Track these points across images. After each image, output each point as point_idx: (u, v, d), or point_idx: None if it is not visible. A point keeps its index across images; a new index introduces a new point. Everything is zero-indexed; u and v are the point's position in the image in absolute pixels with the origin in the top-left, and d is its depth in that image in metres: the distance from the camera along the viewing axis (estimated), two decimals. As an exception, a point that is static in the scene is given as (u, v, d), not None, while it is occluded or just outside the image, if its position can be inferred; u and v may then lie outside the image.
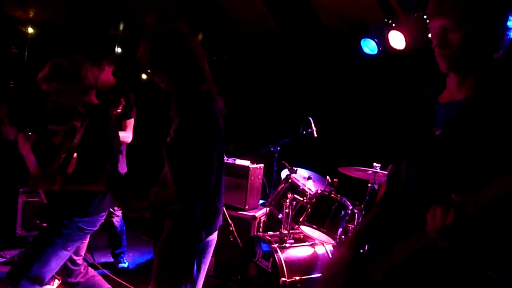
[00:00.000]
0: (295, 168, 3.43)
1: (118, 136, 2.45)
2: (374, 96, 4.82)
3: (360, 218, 3.04)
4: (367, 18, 4.49)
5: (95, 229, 2.33)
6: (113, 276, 3.28)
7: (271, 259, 2.96)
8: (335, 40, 4.81)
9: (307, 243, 3.19)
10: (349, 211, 3.05)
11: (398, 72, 4.55)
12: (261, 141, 4.11)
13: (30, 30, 6.46)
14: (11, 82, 6.55)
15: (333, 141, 4.80)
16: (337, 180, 3.22)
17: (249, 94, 5.86)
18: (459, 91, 1.26)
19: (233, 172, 3.66)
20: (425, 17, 3.73)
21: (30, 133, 2.41)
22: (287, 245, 3.06)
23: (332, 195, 3.06)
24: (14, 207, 3.94)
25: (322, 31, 5.01)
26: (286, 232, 3.12)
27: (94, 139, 2.21)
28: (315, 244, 3.19)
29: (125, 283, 3.32)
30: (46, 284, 2.35)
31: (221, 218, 1.87)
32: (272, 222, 3.74)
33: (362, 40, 4.34)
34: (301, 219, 3.09)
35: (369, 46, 4.35)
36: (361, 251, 1.42)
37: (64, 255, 2.22)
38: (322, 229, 2.98)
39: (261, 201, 3.96)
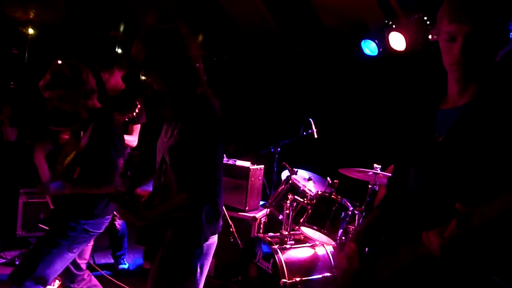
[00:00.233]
0: (296, 169, 3.43)
1: (123, 139, 2.45)
2: (374, 97, 4.82)
3: (361, 219, 3.04)
4: (367, 19, 4.49)
5: (100, 231, 2.34)
6: (112, 279, 3.28)
7: (272, 260, 2.96)
8: (335, 41, 4.81)
9: (307, 244, 3.19)
10: (350, 212, 3.05)
11: (398, 73, 4.55)
12: (261, 142, 4.12)
13: (31, 31, 6.47)
14: (12, 83, 6.56)
15: (334, 142, 4.80)
16: (337, 181, 3.22)
17: (249, 94, 5.87)
18: (461, 96, 1.26)
19: (233, 173, 3.66)
20: (425, 18, 3.74)
21: (47, 143, 2.41)
22: (288, 246, 3.06)
23: (333, 196, 3.06)
24: (14, 208, 3.94)
25: (322, 32, 5.01)
26: (286, 233, 3.12)
27: (101, 144, 2.21)
28: (316, 245, 3.19)
29: (125, 285, 3.32)
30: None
31: (221, 219, 1.87)
32: (272, 223, 3.74)
33: (363, 41, 4.35)
34: (301, 220, 3.08)
35: (370, 47, 4.36)
36: (364, 251, 1.42)
37: (69, 257, 2.23)
38: (322, 230, 2.97)
39: (261, 202, 3.96)
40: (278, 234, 3.20)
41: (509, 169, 1.08)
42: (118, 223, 3.71)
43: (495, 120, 1.15)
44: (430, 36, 3.71)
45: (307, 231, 3.16)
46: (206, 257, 1.78)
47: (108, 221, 2.38)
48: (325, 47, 5.01)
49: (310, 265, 3.05)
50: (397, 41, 4.02)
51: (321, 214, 3.02)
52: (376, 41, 4.22)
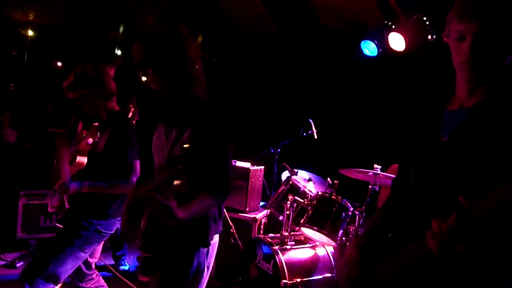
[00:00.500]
0: (296, 170, 3.43)
1: (138, 141, 2.48)
2: (374, 97, 4.82)
3: (361, 220, 3.04)
4: (367, 20, 4.49)
5: (111, 232, 2.37)
6: (117, 274, 3.27)
7: (272, 261, 2.96)
8: (335, 42, 4.82)
9: (308, 245, 3.19)
10: (350, 213, 3.05)
11: (398, 73, 4.56)
12: (261, 143, 4.12)
13: (30, 32, 6.47)
14: (11, 84, 6.56)
15: (334, 143, 4.80)
16: (337, 182, 3.22)
17: (249, 95, 5.87)
18: (469, 98, 1.26)
19: (233, 174, 3.65)
20: (424, 18, 3.74)
21: (68, 141, 2.44)
22: (288, 247, 3.06)
23: (333, 197, 3.06)
24: (14, 210, 3.94)
25: (321, 33, 5.01)
26: (287, 234, 3.12)
27: (120, 146, 2.27)
28: (316, 246, 3.19)
29: (131, 284, 3.32)
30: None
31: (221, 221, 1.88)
32: (272, 224, 3.74)
33: (362, 42, 4.35)
34: (302, 221, 3.08)
35: (369, 48, 4.36)
36: (368, 252, 1.42)
37: (81, 257, 2.26)
38: (323, 231, 2.97)
39: (261, 203, 3.96)
40: (279, 235, 3.19)
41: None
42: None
43: (502, 124, 1.15)
44: (429, 37, 3.72)
45: (308, 231, 3.16)
46: (211, 257, 1.81)
47: (119, 222, 2.41)
48: (325, 47, 5.01)
49: (311, 265, 3.05)
50: (397, 41, 4.02)
51: (322, 215, 3.02)
52: (375, 41, 4.23)
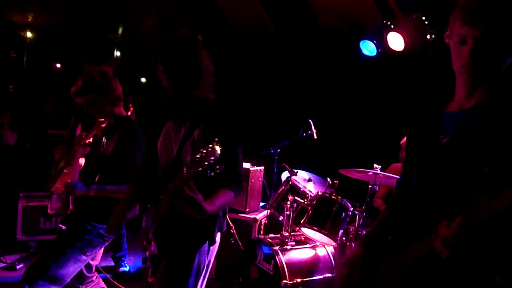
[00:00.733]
0: (296, 170, 3.43)
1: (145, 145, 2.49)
2: (373, 97, 4.82)
3: (361, 220, 3.04)
4: (366, 20, 4.50)
5: (114, 237, 2.39)
6: (113, 281, 3.27)
7: (273, 261, 2.96)
8: (334, 42, 4.82)
9: (308, 245, 3.19)
10: (350, 213, 3.05)
11: (397, 73, 4.56)
12: (261, 143, 4.11)
13: (29, 34, 6.47)
14: (11, 86, 6.56)
15: (333, 143, 4.80)
16: (337, 182, 3.22)
17: (248, 96, 5.87)
18: (468, 100, 1.27)
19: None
20: (423, 18, 3.74)
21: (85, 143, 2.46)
22: (288, 247, 3.06)
23: (333, 197, 3.06)
24: (14, 212, 3.93)
25: (321, 33, 5.02)
26: (287, 234, 3.11)
27: (128, 151, 2.28)
28: (316, 246, 3.19)
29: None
30: None
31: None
32: (273, 225, 3.74)
33: (361, 41, 4.35)
34: (302, 221, 3.08)
35: (368, 48, 4.36)
36: (372, 252, 1.43)
37: (82, 260, 2.26)
38: (323, 231, 2.97)
39: (261, 204, 3.95)
40: (279, 235, 3.19)
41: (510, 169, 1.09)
42: None
43: (501, 124, 1.16)
44: (428, 36, 3.72)
45: (308, 232, 3.16)
46: (212, 254, 1.84)
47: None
48: (324, 48, 5.02)
49: (311, 266, 3.05)
50: (396, 41, 4.03)
51: (322, 215, 3.01)
52: (374, 41, 4.23)
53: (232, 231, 3.51)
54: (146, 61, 7.04)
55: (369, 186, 3.07)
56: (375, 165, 3.02)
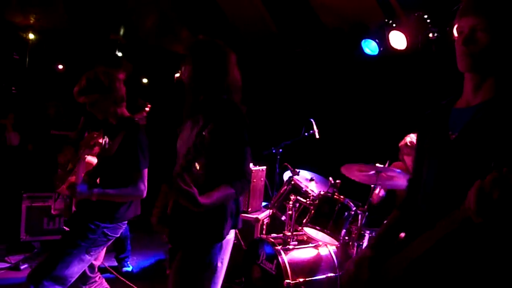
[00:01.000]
0: (298, 170, 3.43)
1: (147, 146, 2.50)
2: (375, 96, 4.82)
3: (364, 219, 3.04)
4: (368, 19, 4.49)
5: (117, 236, 2.38)
6: (121, 277, 3.28)
7: (275, 261, 2.96)
8: (335, 41, 4.82)
9: (310, 245, 3.18)
10: (352, 212, 3.04)
11: (399, 72, 4.55)
12: (263, 143, 4.12)
13: (31, 36, 6.49)
14: (13, 88, 6.58)
15: (335, 142, 4.80)
16: (340, 181, 3.22)
17: (250, 96, 5.86)
18: (475, 96, 1.27)
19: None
20: (425, 16, 3.73)
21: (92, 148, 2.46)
22: (291, 247, 3.06)
23: (335, 196, 3.06)
24: (18, 213, 3.95)
25: (322, 32, 5.01)
26: (289, 234, 3.11)
27: (132, 152, 2.28)
28: (319, 246, 3.18)
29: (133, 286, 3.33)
30: None
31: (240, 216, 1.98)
32: (275, 224, 3.74)
33: (363, 40, 4.34)
34: (304, 221, 3.08)
35: (370, 47, 4.35)
36: (380, 257, 1.42)
37: (86, 260, 2.26)
38: (325, 230, 2.97)
39: (264, 203, 3.96)
40: (281, 235, 3.19)
41: None
42: None
43: (507, 121, 1.15)
44: (430, 35, 3.71)
45: (310, 231, 3.16)
46: (225, 252, 1.89)
47: (124, 226, 2.43)
48: (326, 47, 5.01)
49: (314, 265, 3.05)
50: (398, 40, 4.01)
51: (324, 214, 3.01)
52: (376, 40, 4.22)
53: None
54: (148, 62, 7.06)
55: (372, 186, 3.07)
56: (377, 165, 3.02)
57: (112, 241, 2.38)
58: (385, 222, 1.56)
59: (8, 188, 4.46)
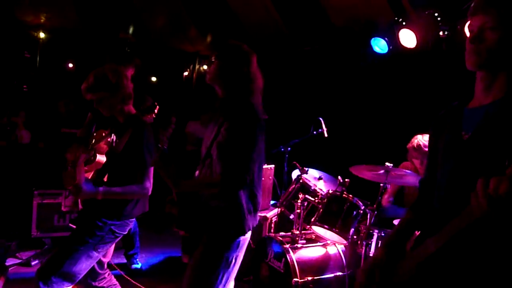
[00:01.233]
0: (306, 169, 3.42)
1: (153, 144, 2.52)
2: (384, 95, 4.79)
3: (373, 218, 3.02)
4: (377, 17, 4.46)
5: (124, 233, 2.39)
6: (127, 277, 3.31)
7: (283, 259, 2.96)
8: (345, 40, 4.79)
9: (319, 244, 3.18)
10: (361, 211, 3.03)
11: (409, 71, 4.51)
12: (271, 141, 4.12)
13: (42, 35, 6.56)
14: (25, 86, 6.66)
15: (344, 141, 4.78)
16: (348, 180, 3.20)
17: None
18: (487, 95, 1.27)
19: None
20: (436, 14, 3.70)
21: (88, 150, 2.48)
22: (299, 245, 3.06)
23: (344, 195, 3.05)
24: (29, 209, 4.01)
25: (331, 31, 4.99)
26: (297, 232, 3.12)
27: (138, 150, 2.28)
28: (327, 244, 3.18)
29: (140, 285, 3.35)
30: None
31: (258, 215, 2.06)
32: (283, 223, 3.74)
33: (372, 39, 4.32)
34: (312, 220, 3.08)
35: (379, 45, 4.32)
36: (393, 259, 1.42)
37: (94, 256, 2.28)
38: (334, 229, 2.96)
39: (272, 202, 3.96)
40: (290, 233, 3.19)
41: None
42: None
43: None
44: (441, 33, 3.67)
45: (319, 230, 3.16)
46: (241, 249, 1.96)
47: (132, 223, 2.43)
48: (335, 45, 4.99)
49: (322, 264, 3.05)
50: (408, 38, 3.98)
51: (332, 213, 3.01)
52: (386, 38, 4.19)
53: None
54: (157, 61, 7.10)
55: (381, 185, 3.06)
56: (387, 164, 3.01)
57: (120, 238, 2.40)
58: (398, 223, 1.55)
59: (19, 185, 4.52)
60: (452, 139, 1.32)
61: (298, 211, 3.14)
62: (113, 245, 2.53)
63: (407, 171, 3.01)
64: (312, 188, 3.33)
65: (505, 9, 1.16)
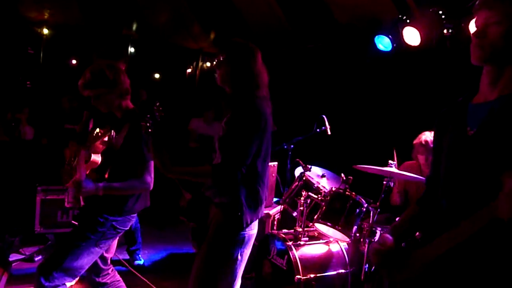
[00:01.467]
0: (309, 166, 3.41)
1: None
2: (388, 93, 4.77)
3: (376, 216, 3.02)
4: (381, 14, 4.44)
5: (126, 229, 2.39)
6: (134, 270, 3.32)
7: (286, 256, 2.97)
8: (348, 37, 4.78)
9: (321, 241, 3.18)
10: (364, 209, 3.03)
11: (413, 68, 4.50)
12: (274, 138, 4.12)
13: (45, 31, 6.57)
14: (28, 82, 6.67)
15: (347, 139, 4.77)
16: (351, 177, 3.20)
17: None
18: (492, 91, 1.26)
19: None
20: (440, 12, 3.68)
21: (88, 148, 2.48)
22: (302, 242, 3.06)
23: (347, 192, 3.05)
24: (32, 205, 4.02)
25: (335, 28, 4.98)
26: (300, 229, 3.12)
27: (136, 145, 2.28)
28: (330, 242, 3.18)
29: (145, 279, 3.36)
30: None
31: (263, 209, 2.08)
32: (286, 220, 3.74)
33: (376, 36, 4.30)
34: (315, 217, 3.08)
35: (383, 43, 4.31)
36: (399, 245, 1.41)
37: (96, 252, 2.29)
38: (336, 226, 2.96)
39: (275, 199, 3.96)
40: (292, 230, 3.19)
41: None
42: None
43: None
44: (445, 31, 3.66)
45: (321, 227, 3.16)
46: (246, 245, 2.00)
47: (134, 219, 2.44)
48: (338, 43, 4.97)
49: (325, 261, 3.05)
50: (412, 36, 3.96)
51: (335, 211, 3.01)
52: (390, 36, 4.17)
53: (245, 226, 3.53)
54: (160, 58, 7.10)
55: (384, 182, 3.05)
56: (390, 162, 3.00)
57: (121, 233, 2.40)
58: (402, 215, 1.54)
59: (23, 181, 4.53)
60: (457, 135, 1.32)
61: (301, 208, 3.14)
62: (116, 241, 2.54)
63: (408, 173, 2.99)
64: (315, 185, 3.33)
65: (509, 4, 1.17)
